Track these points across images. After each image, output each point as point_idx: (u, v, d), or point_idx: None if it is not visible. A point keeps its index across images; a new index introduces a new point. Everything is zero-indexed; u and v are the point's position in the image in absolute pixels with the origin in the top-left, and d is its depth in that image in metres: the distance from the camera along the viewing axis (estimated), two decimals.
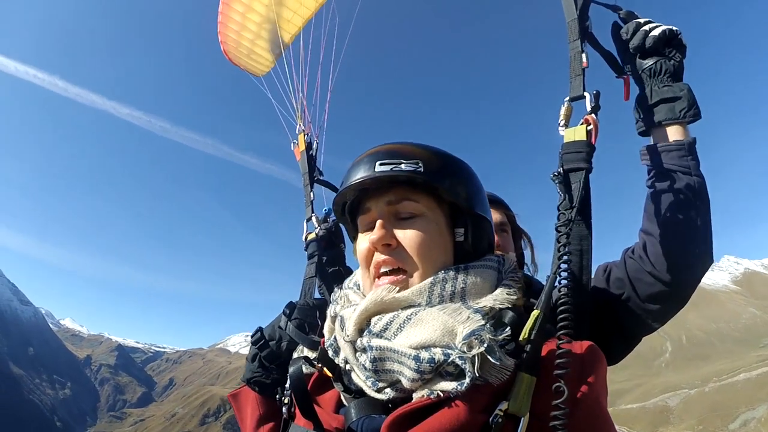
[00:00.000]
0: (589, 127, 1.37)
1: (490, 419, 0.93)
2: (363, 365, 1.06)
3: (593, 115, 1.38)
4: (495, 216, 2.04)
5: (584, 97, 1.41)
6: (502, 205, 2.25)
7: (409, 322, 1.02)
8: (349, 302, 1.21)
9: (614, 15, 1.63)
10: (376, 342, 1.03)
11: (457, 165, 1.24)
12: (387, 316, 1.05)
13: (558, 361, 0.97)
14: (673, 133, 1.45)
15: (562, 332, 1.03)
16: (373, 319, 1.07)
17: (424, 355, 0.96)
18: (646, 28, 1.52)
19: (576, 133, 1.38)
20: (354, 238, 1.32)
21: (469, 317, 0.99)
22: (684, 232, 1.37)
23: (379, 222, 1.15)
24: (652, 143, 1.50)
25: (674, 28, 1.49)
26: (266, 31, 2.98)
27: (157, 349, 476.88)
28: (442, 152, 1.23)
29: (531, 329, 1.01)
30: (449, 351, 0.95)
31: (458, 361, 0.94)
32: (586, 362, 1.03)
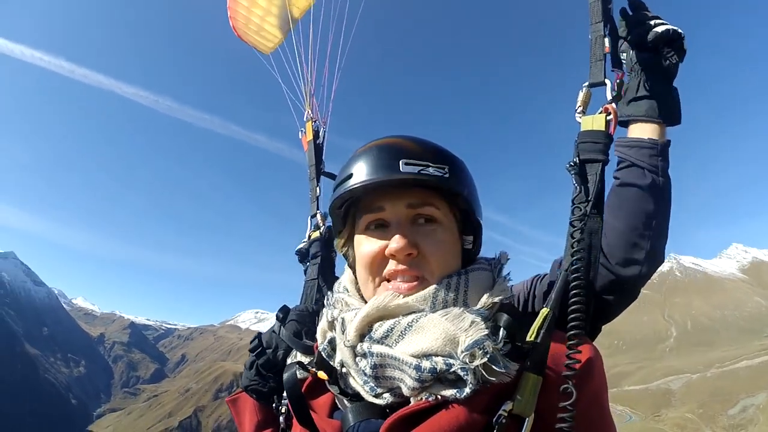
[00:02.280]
0: (608, 117, 1.32)
1: (494, 419, 0.92)
2: (363, 370, 1.04)
3: (614, 104, 1.34)
4: None
5: (605, 84, 1.37)
6: None
7: (410, 329, 1.00)
8: (348, 306, 1.17)
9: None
10: (377, 348, 1.01)
11: (468, 172, 1.21)
12: (388, 323, 1.03)
13: (568, 362, 0.97)
14: (650, 130, 1.43)
15: (572, 332, 1.01)
16: (375, 325, 1.05)
17: (426, 364, 0.94)
18: (652, 23, 1.48)
19: (594, 122, 1.33)
20: (342, 234, 1.27)
21: (472, 323, 0.97)
22: (641, 229, 1.36)
23: (399, 228, 1.10)
24: (628, 136, 1.48)
25: (679, 30, 1.46)
26: (276, 7, 2.90)
27: (169, 326, 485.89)
28: (458, 157, 1.20)
29: (539, 328, 1.00)
30: (451, 361, 0.94)
31: (460, 372, 0.93)
32: (588, 362, 1.02)
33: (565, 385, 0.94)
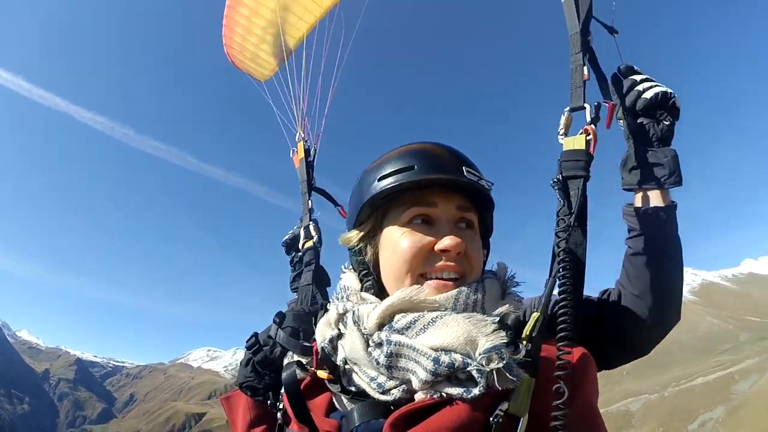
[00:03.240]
0: (588, 137, 1.41)
1: (491, 419, 0.94)
2: (375, 359, 1.05)
3: (593, 125, 1.43)
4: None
5: (584, 108, 1.46)
6: None
7: (433, 324, 1.02)
8: (364, 300, 1.19)
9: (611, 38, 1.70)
10: (396, 337, 1.03)
11: None
12: (412, 315, 1.05)
13: (559, 362, 0.99)
14: (654, 197, 1.48)
15: (561, 335, 1.05)
16: (397, 316, 1.07)
17: (445, 358, 0.96)
18: (640, 88, 1.54)
19: (575, 142, 1.42)
20: (363, 227, 1.29)
21: (494, 330, 1.00)
22: (653, 296, 1.41)
23: (449, 226, 1.17)
24: (633, 203, 1.53)
25: (668, 91, 1.51)
26: (271, 36, 2.98)
27: (116, 363, 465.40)
28: None
29: (531, 330, 1.02)
30: (468, 360, 0.96)
31: (475, 373, 0.94)
32: (579, 366, 1.06)
33: (558, 385, 0.96)
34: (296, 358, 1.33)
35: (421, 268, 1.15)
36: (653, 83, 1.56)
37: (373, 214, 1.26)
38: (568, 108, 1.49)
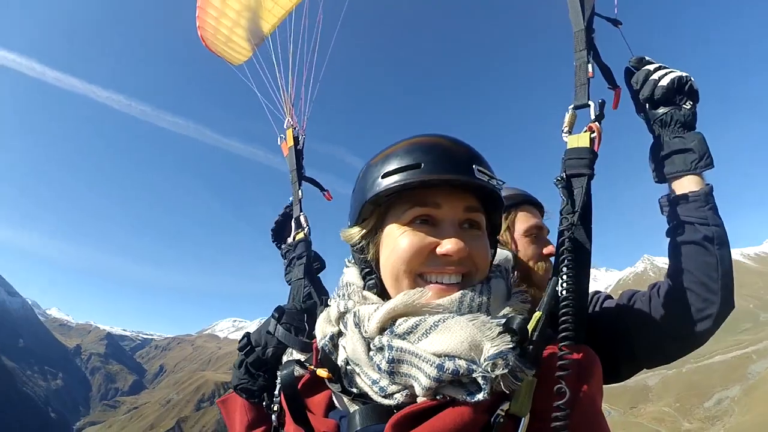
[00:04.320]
0: (592, 135, 1.40)
1: (492, 419, 0.94)
2: (377, 365, 1.03)
3: (597, 123, 1.42)
4: (534, 220, 1.97)
5: (589, 105, 1.45)
6: (539, 206, 2.06)
7: (435, 328, 0.99)
8: (365, 300, 1.16)
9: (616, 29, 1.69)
10: (397, 343, 1.00)
11: None
12: (414, 319, 1.02)
13: (560, 362, 0.98)
14: (688, 183, 1.47)
15: (563, 334, 1.03)
16: (399, 320, 1.04)
17: (449, 364, 0.94)
18: (655, 77, 1.53)
19: (579, 140, 1.41)
20: (365, 224, 1.21)
21: (499, 334, 0.96)
22: (703, 283, 1.39)
23: (453, 229, 1.12)
24: (668, 194, 1.52)
25: (684, 75, 1.51)
26: (245, 20, 2.91)
27: (145, 336, 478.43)
28: None
29: (533, 330, 1.00)
30: (473, 366, 0.93)
31: (480, 380, 0.92)
32: (583, 365, 1.05)
33: (559, 385, 0.96)
34: (295, 355, 1.32)
35: (419, 269, 1.11)
36: (668, 70, 1.55)
37: (376, 210, 1.20)
38: (572, 105, 1.48)
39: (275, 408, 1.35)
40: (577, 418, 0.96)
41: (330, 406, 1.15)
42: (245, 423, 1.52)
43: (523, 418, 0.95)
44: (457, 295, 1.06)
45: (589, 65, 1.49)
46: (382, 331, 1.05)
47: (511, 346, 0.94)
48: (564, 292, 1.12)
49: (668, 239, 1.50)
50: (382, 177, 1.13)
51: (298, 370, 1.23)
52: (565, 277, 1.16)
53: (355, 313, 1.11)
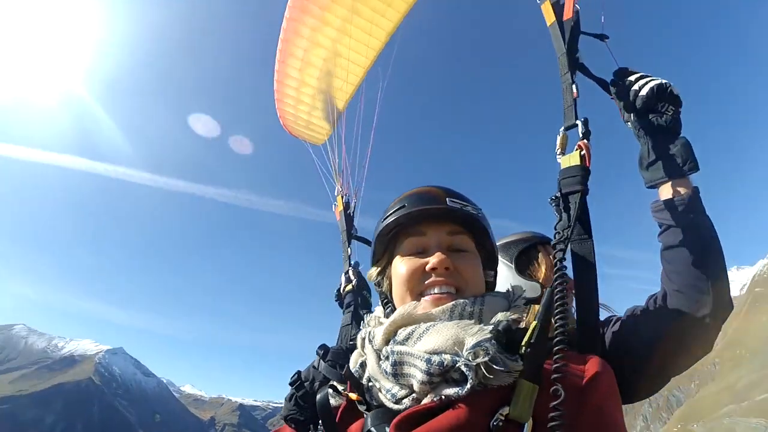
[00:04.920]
0: (582, 152, 1.46)
1: (491, 422, 0.98)
2: (385, 371, 1.16)
3: (585, 140, 1.49)
4: (549, 260, 1.96)
5: (577, 125, 1.53)
6: (548, 242, 2.06)
7: (427, 332, 1.12)
8: (379, 323, 1.32)
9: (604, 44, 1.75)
10: (398, 348, 1.14)
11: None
12: (410, 328, 1.16)
13: (555, 365, 1.04)
14: (675, 188, 1.50)
15: (556, 339, 1.09)
16: (399, 331, 1.18)
17: (435, 358, 1.04)
18: (636, 87, 1.58)
19: (571, 159, 1.48)
20: (380, 261, 1.42)
21: (478, 330, 1.07)
22: (697, 287, 1.40)
23: (439, 248, 1.26)
24: (658, 199, 1.55)
25: (663, 82, 1.54)
26: (321, 102, 3.17)
27: (276, 405, 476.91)
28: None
29: (529, 339, 1.07)
30: (456, 358, 1.03)
31: (463, 368, 1.01)
32: (590, 372, 1.09)
33: (555, 387, 1.00)
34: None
35: (417, 288, 1.26)
36: (648, 78, 1.59)
37: (386, 250, 1.41)
38: (562, 127, 1.55)
39: None
40: (582, 423, 1.01)
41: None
42: None
43: (525, 424, 0.98)
44: (449, 305, 1.19)
45: (573, 86, 1.58)
46: (387, 342, 1.20)
47: (489, 336, 1.05)
48: (557, 302, 1.16)
49: (660, 244, 1.52)
50: (382, 221, 1.37)
51: (331, 394, 1.35)
52: (558, 291, 1.19)
53: (369, 333, 1.29)
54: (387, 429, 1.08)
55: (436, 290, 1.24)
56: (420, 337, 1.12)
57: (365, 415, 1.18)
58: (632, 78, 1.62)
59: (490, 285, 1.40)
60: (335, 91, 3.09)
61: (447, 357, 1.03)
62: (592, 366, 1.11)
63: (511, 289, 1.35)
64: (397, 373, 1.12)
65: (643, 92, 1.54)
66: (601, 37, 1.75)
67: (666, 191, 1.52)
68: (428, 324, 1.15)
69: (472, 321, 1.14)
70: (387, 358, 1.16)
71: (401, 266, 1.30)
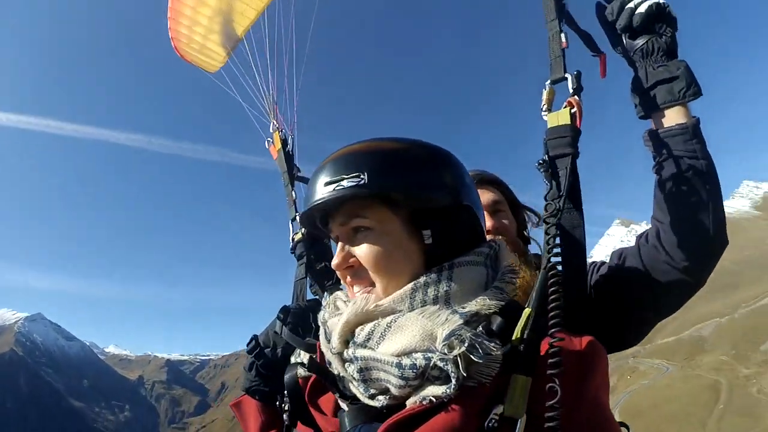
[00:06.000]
0: (572, 110, 1.32)
1: (486, 423, 0.91)
2: (352, 375, 1.05)
3: (576, 96, 1.34)
4: (485, 196, 1.88)
5: (566, 78, 1.36)
6: (493, 182, 1.99)
7: (389, 329, 1.00)
8: (337, 309, 1.18)
9: None
10: (360, 352, 1.02)
11: (415, 158, 1.12)
12: (369, 326, 1.03)
13: (551, 360, 0.95)
14: (675, 115, 1.39)
15: (552, 330, 0.99)
16: (357, 330, 1.05)
17: (406, 361, 0.94)
18: (631, 5, 1.45)
19: (560, 117, 1.33)
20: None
21: (447, 318, 0.96)
22: (695, 218, 1.33)
23: (339, 245, 1.15)
24: (653, 128, 1.43)
25: (661, 1, 1.43)
26: (218, 25, 2.86)
27: (203, 357, 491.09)
28: (396, 148, 1.13)
29: (523, 328, 0.98)
30: (430, 355, 0.93)
31: (440, 364, 0.91)
32: (585, 358, 1.01)
33: (551, 384, 0.92)
34: (301, 356, 1.34)
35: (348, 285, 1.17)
36: None
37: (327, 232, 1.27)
38: (548, 81, 1.40)
39: (287, 407, 1.34)
40: (578, 416, 0.95)
41: (338, 406, 1.16)
42: (258, 424, 1.52)
43: (519, 420, 0.92)
44: (407, 289, 1.05)
45: (562, 35, 1.41)
46: (347, 343, 1.07)
47: (460, 322, 0.95)
48: (552, 285, 1.07)
49: (655, 175, 1.42)
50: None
51: (301, 372, 1.25)
52: (552, 269, 1.10)
53: (326, 329, 1.14)
54: (371, 427, 1.02)
55: (355, 289, 1.14)
56: (383, 337, 1.00)
57: (341, 411, 1.10)
58: None
59: (434, 248, 1.10)
60: (235, 15, 2.74)
61: (419, 357, 0.94)
62: (587, 348, 1.02)
63: (492, 252, 1.15)
64: (366, 379, 1.02)
65: (642, 9, 1.42)
66: None
67: (666, 118, 1.40)
68: (389, 319, 1.02)
69: (437, 306, 1.01)
70: (351, 362, 1.04)
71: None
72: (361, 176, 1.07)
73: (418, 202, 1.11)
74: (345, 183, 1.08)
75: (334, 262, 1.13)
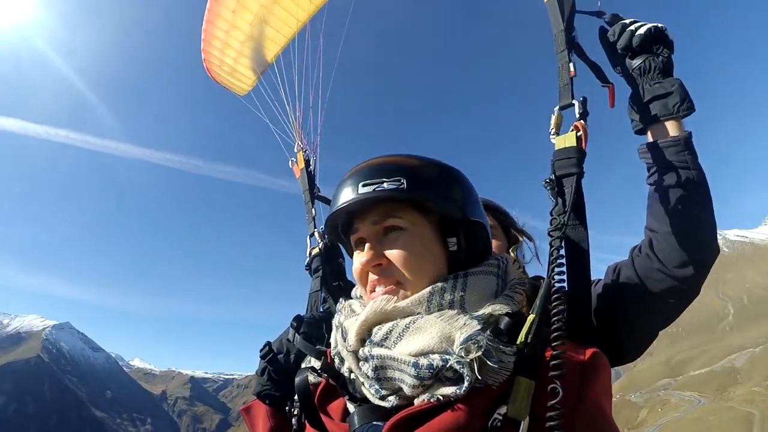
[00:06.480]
0: (578, 134, 1.41)
1: (489, 423, 0.95)
2: (366, 374, 1.08)
3: (582, 121, 1.43)
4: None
5: (573, 104, 1.46)
6: (488, 208, 2.12)
7: (408, 330, 1.05)
8: (353, 312, 1.24)
9: (600, 21, 1.68)
10: (377, 351, 1.06)
11: (445, 174, 1.25)
12: (387, 326, 1.08)
13: (553, 362, 0.99)
14: (669, 129, 1.47)
15: (554, 334, 1.04)
16: (374, 329, 1.10)
17: (423, 361, 0.98)
18: (632, 27, 1.55)
19: (566, 140, 1.42)
20: (351, 255, 1.35)
21: (465, 323, 1.02)
22: (687, 227, 1.38)
23: (367, 244, 1.19)
24: (649, 140, 1.52)
25: (659, 25, 1.53)
26: (249, 49, 2.98)
27: (227, 376, 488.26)
28: (429, 163, 1.25)
29: (527, 333, 1.03)
30: (447, 357, 0.97)
31: (456, 366, 0.96)
32: (588, 368, 1.05)
33: (553, 385, 0.95)
34: (312, 363, 1.36)
35: (369, 285, 1.21)
36: (642, 22, 1.57)
37: (348, 243, 1.33)
38: (557, 107, 1.49)
39: (296, 412, 1.39)
40: (581, 420, 0.97)
41: (347, 412, 1.18)
42: (267, 428, 1.55)
43: (522, 422, 0.95)
44: (425, 292, 1.11)
45: (571, 64, 1.51)
46: (363, 342, 1.11)
47: (478, 327, 1.00)
48: (555, 293, 1.12)
49: (649, 186, 1.50)
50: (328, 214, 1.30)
51: (311, 377, 1.27)
52: (557, 278, 1.17)
53: (342, 329, 1.20)
54: (377, 426, 1.05)
55: (378, 289, 1.18)
56: (401, 337, 1.05)
57: (351, 412, 1.13)
58: (626, 21, 1.59)
59: (457, 255, 1.20)
60: (266, 41, 2.89)
61: (436, 358, 0.98)
62: (590, 359, 1.06)
63: (501, 264, 1.25)
64: (381, 377, 1.06)
65: (641, 31, 1.51)
66: (598, 14, 1.68)
67: (660, 132, 1.48)
68: (407, 320, 1.07)
69: (455, 311, 1.07)
70: (366, 360, 1.09)
71: (353, 265, 1.26)
72: (402, 181, 1.16)
73: (447, 209, 1.21)
74: (386, 185, 1.16)
75: (365, 258, 1.17)
